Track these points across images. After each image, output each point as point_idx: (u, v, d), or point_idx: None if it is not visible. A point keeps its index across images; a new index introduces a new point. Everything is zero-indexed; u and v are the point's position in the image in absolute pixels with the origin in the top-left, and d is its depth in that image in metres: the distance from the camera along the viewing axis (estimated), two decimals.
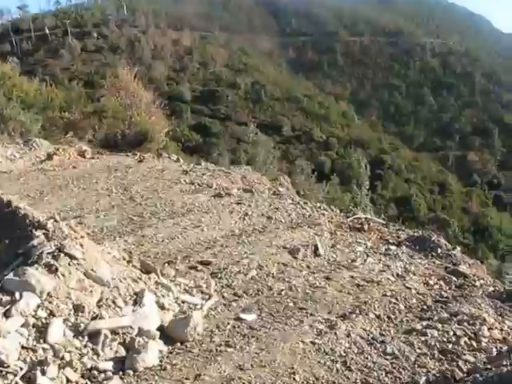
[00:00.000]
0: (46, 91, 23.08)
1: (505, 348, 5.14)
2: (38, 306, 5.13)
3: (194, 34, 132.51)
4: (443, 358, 5.27)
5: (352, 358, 5.29)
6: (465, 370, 4.83)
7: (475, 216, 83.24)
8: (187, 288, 6.92)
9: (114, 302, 5.64)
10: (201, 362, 5.17)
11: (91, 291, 5.58)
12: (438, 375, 4.72)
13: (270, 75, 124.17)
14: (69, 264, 5.64)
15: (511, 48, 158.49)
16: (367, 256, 8.63)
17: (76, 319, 5.23)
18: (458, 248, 9.43)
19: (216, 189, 12.37)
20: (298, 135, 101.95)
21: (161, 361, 5.20)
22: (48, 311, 5.15)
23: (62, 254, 5.68)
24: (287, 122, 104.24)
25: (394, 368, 5.12)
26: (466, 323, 5.91)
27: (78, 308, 5.32)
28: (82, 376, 4.82)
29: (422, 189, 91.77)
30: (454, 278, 7.71)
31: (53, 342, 4.92)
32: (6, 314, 4.93)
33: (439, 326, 5.87)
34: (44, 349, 4.86)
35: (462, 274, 7.88)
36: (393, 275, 7.78)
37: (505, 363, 4.48)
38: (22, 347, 4.79)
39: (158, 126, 20.72)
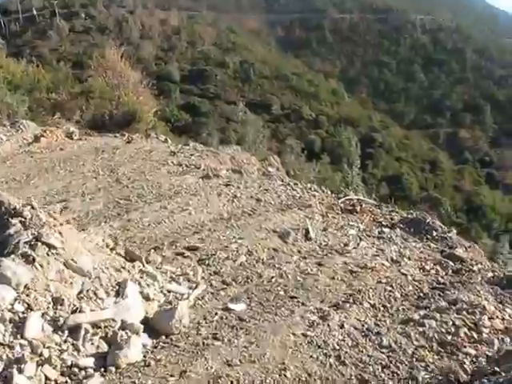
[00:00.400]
0: (32, 72, 22.95)
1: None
2: (15, 300, 4.91)
3: (181, 13, 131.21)
4: (442, 350, 5.06)
5: (346, 352, 5.07)
6: (468, 368, 4.59)
7: (468, 194, 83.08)
8: (173, 276, 6.68)
9: (95, 294, 5.42)
10: (186, 358, 4.95)
11: (71, 282, 5.35)
12: (440, 378, 4.45)
13: (259, 54, 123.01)
14: (47, 254, 5.42)
15: (505, 25, 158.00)
16: (360, 240, 8.41)
17: (55, 313, 5.03)
18: (454, 230, 9.22)
19: (204, 170, 12.09)
20: (287, 114, 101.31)
21: (144, 356, 4.99)
22: (25, 305, 4.93)
23: (40, 244, 5.44)
24: (276, 101, 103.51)
25: (391, 362, 4.90)
26: (465, 312, 5.68)
27: (57, 301, 5.10)
28: (62, 374, 4.64)
29: (413, 167, 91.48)
30: (451, 263, 7.50)
31: (30, 338, 4.71)
32: None
33: (437, 315, 5.63)
34: (21, 345, 4.66)
35: (458, 259, 7.68)
36: (387, 260, 7.56)
37: None
38: None
39: (146, 106, 20.50)
